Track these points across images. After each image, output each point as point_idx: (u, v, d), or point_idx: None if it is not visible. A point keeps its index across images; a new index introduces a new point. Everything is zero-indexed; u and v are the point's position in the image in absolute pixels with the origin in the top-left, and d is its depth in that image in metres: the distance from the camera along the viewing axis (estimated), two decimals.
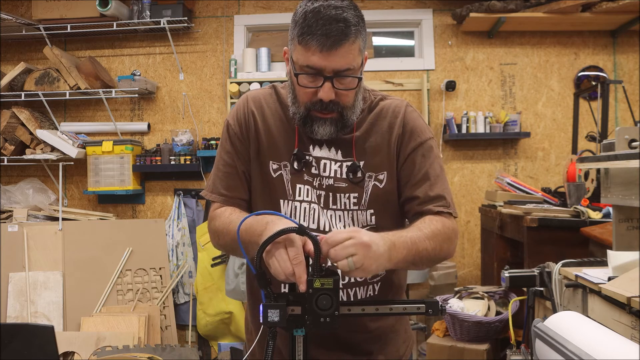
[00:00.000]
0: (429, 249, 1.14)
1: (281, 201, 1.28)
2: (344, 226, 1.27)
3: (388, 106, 1.33)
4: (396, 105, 1.33)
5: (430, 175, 1.28)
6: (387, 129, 1.30)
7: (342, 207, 1.28)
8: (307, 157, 1.27)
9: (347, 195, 1.27)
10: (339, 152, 1.28)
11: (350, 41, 1.13)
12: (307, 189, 1.27)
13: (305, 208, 1.27)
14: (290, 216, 1.27)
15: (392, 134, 1.29)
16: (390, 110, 1.32)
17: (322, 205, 1.27)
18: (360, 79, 1.20)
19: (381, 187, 1.28)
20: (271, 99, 1.34)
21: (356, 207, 1.28)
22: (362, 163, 1.28)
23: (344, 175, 1.28)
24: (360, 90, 1.25)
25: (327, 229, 1.26)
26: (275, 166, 1.29)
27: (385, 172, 1.29)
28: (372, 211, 1.28)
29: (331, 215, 1.27)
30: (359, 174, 1.27)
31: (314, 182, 1.28)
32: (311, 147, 1.28)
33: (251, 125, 1.31)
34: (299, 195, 1.27)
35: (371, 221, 1.28)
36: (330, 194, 1.27)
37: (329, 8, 1.12)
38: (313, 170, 1.28)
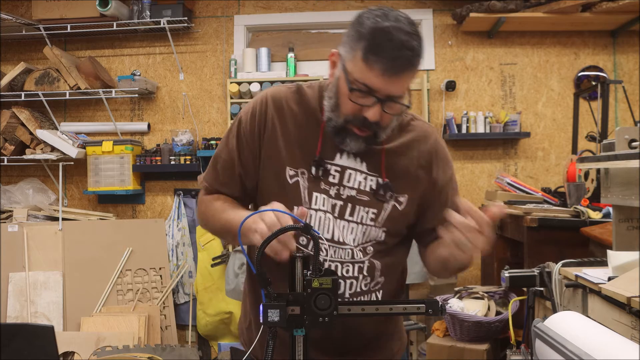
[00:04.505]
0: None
1: (295, 208, 1.24)
2: (354, 240, 1.26)
3: (419, 130, 1.33)
4: (426, 131, 1.33)
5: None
6: (416, 154, 1.30)
7: (359, 220, 1.26)
8: (327, 166, 1.26)
9: (366, 209, 1.26)
10: (364, 163, 1.27)
11: (412, 70, 1.13)
12: (323, 198, 1.25)
13: (320, 217, 1.25)
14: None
15: (422, 160, 1.30)
16: (421, 134, 1.32)
17: (336, 215, 1.26)
18: (407, 107, 1.20)
19: (400, 209, 1.28)
20: (294, 101, 1.30)
21: (372, 223, 1.27)
22: (387, 181, 1.27)
23: (367, 189, 1.26)
24: (400, 113, 1.24)
25: (340, 240, 1.25)
26: (292, 172, 1.26)
27: (407, 196, 1.28)
28: (385, 229, 1.28)
29: (343, 227, 1.26)
30: (388, 196, 1.27)
31: (331, 190, 1.26)
32: (338, 155, 1.26)
33: (268, 127, 1.27)
34: (315, 204, 1.25)
35: (380, 237, 1.28)
36: (349, 204, 1.26)
37: (399, 32, 1.10)
38: (331, 179, 1.26)
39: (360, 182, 1.26)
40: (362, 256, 1.27)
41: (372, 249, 1.28)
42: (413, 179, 1.29)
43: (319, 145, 1.25)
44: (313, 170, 1.25)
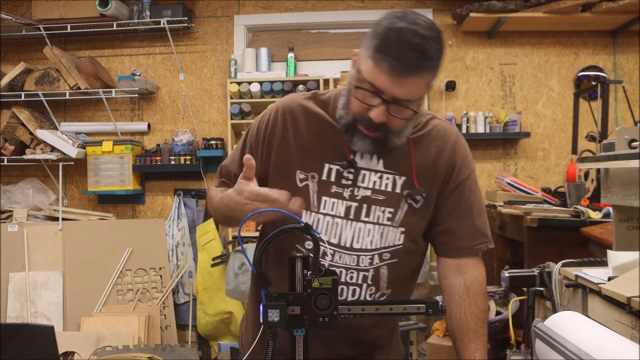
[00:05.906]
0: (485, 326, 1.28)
1: (303, 212, 1.24)
2: (371, 242, 1.25)
3: (438, 128, 1.30)
4: (446, 129, 1.31)
5: (474, 209, 1.30)
6: (435, 151, 1.28)
7: (375, 221, 1.25)
8: (345, 171, 1.25)
9: (382, 209, 1.25)
10: (381, 161, 1.25)
11: (420, 74, 1.10)
12: (333, 202, 1.24)
13: (328, 221, 1.24)
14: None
15: (441, 158, 1.28)
16: (440, 132, 1.30)
17: (351, 217, 1.24)
18: (415, 113, 1.17)
19: (416, 207, 1.26)
20: (306, 108, 1.29)
21: (389, 223, 1.25)
22: (403, 179, 1.26)
23: (383, 187, 1.25)
24: (413, 120, 1.21)
25: (347, 245, 1.24)
26: (302, 176, 1.25)
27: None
28: (402, 229, 1.26)
29: (360, 229, 1.24)
30: (419, 201, 1.25)
31: (344, 192, 1.24)
32: (358, 156, 1.25)
33: (277, 135, 1.28)
34: (324, 208, 1.24)
35: (399, 240, 1.26)
36: (365, 205, 1.24)
37: (412, 33, 1.07)
38: (344, 181, 1.25)
39: (375, 182, 1.25)
40: (367, 264, 1.25)
41: (388, 255, 1.26)
42: (430, 177, 1.27)
43: (344, 146, 1.24)
44: (333, 173, 1.24)
